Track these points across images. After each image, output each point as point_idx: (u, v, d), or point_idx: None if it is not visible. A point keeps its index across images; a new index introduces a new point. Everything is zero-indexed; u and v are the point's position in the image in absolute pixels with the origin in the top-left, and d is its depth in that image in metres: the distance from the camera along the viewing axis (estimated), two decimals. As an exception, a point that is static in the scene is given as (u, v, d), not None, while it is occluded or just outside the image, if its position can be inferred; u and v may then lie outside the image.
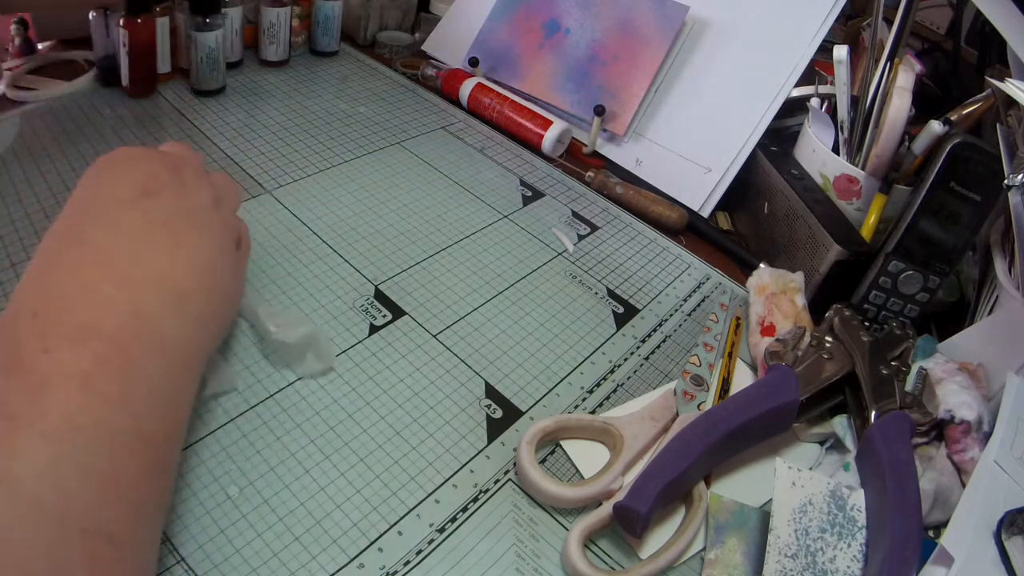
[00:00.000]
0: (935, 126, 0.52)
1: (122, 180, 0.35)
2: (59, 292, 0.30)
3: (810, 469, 0.40)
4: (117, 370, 0.28)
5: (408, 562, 0.34)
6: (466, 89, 0.71)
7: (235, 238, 0.40)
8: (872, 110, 0.54)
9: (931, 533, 0.38)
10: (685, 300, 0.54)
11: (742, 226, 0.65)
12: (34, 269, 0.32)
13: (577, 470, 0.40)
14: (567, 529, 0.37)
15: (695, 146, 0.65)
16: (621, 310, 0.51)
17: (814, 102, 0.62)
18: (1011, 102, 0.49)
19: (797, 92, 0.64)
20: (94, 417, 0.26)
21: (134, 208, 0.33)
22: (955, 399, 0.42)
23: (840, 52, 0.56)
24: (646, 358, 0.48)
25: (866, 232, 0.55)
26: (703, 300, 0.54)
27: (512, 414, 0.42)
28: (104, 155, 0.36)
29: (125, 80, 0.62)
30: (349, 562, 0.33)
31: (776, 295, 0.50)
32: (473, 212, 0.58)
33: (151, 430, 0.28)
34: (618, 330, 0.50)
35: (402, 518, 0.36)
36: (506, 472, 0.39)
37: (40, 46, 0.67)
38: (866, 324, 0.49)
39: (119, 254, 0.32)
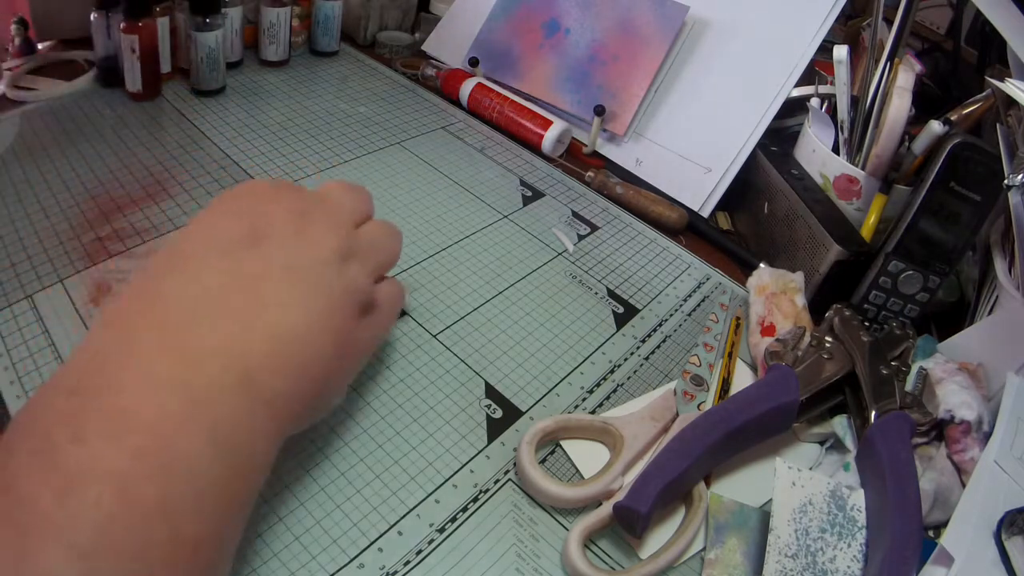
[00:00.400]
0: (935, 126, 0.52)
1: (229, 219, 0.31)
2: (104, 363, 0.26)
3: (810, 469, 0.40)
4: (157, 468, 0.24)
5: (408, 562, 0.34)
6: (466, 89, 0.71)
7: (362, 302, 0.34)
8: (872, 110, 0.54)
9: (931, 533, 0.38)
10: (685, 300, 0.54)
11: (742, 226, 0.65)
12: (97, 325, 0.28)
13: (577, 470, 0.40)
14: (567, 529, 0.37)
15: (695, 146, 0.65)
16: (621, 310, 0.51)
17: (814, 102, 0.62)
18: (1011, 102, 0.49)
19: (797, 92, 0.64)
20: (128, 525, 0.23)
21: (227, 257, 0.29)
22: (955, 399, 0.42)
23: (840, 52, 0.56)
24: (646, 358, 0.48)
25: (866, 232, 0.55)
26: (703, 300, 0.54)
27: (512, 414, 0.42)
28: (236, 185, 0.33)
29: (135, 86, 0.62)
30: (349, 562, 0.33)
31: (776, 295, 0.50)
32: (473, 212, 0.58)
33: (193, 534, 0.24)
34: (618, 330, 0.50)
35: (402, 518, 0.36)
36: (506, 472, 0.39)
37: (40, 46, 0.67)
38: (866, 324, 0.49)
39: (187, 317, 0.27)
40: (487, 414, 0.42)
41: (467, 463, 0.39)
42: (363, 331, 0.35)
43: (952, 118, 0.54)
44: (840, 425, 0.44)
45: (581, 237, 0.58)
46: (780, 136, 0.65)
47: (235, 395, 0.27)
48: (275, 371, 0.28)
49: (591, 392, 0.45)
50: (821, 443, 0.44)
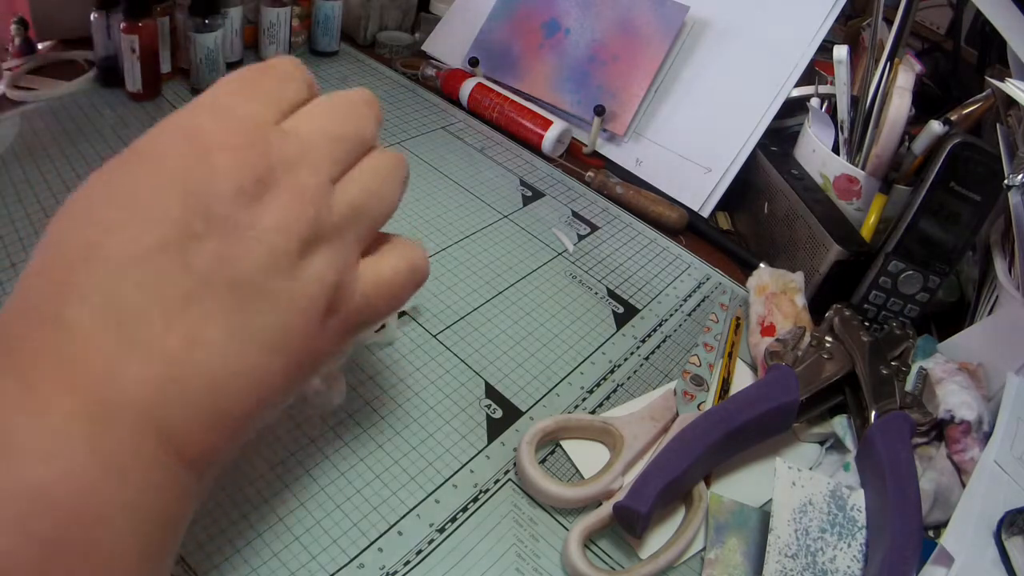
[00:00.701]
0: (935, 126, 0.52)
1: (154, 192, 0.22)
2: None
3: (810, 469, 0.40)
4: (38, 551, 0.18)
5: (408, 562, 0.34)
6: (466, 89, 0.71)
7: (330, 299, 0.26)
8: (872, 110, 0.54)
9: (931, 533, 0.38)
10: (685, 300, 0.54)
11: (742, 226, 0.65)
12: None
13: (577, 470, 0.40)
14: (567, 529, 0.37)
15: (695, 146, 0.65)
16: (621, 310, 0.51)
17: (814, 102, 0.62)
18: (1011, 102, 0.49)
19: (797, 92, 0.64)
20: None
21: (147, 263, 0.21)
22: (955, 399, 0.42)
23: (840, 52, 0.56)
24: (646, 358, 0.48)
25: (866, 232, 0.55)
26: (703, 300, 0.54)
27: (512, 414, 0.42)
28: (159, 123, 0.24)
29: (135, 86, 0.62)
30: (349, 562, 0.33)
31: (776, 295, 0.50)
32: (473, 212, 0.58)
33: None
34: (618, 330, 0.50)
35: (402, 518, 0.36)
36: (506, 472, 0.39)
37: (40, 46, 0.67)
38: (866, 324, 0.49)
39: (96, 356, 0.21)
40: (487, 414, 0.42)
41: (467, 463, 0.39)
42: (328, 338, 0.26)
43: (952, 118, 0.54)
44: (840, 425, 0.44)
45: (581, 237, 0.58)
46: (780, 136, 0.65)
47: (153, 463, 0.21)
48: (206, 428, 0.22)
49: (591, 392, 0.45)
50: (821, 443, 0.44)
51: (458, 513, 0.36)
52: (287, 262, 0.24)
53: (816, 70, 0.65)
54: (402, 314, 0.47)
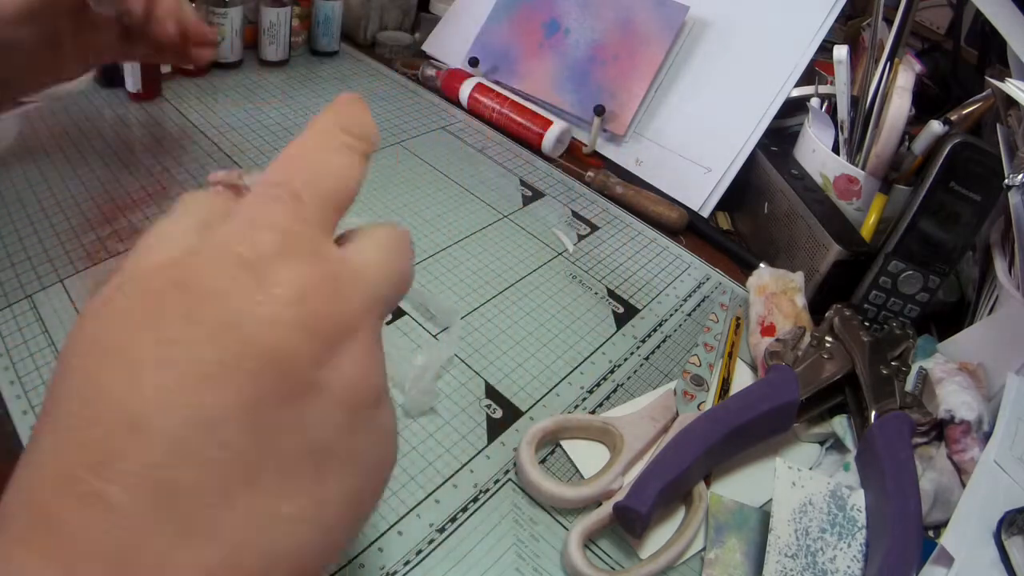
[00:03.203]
0: (935, 126, 0.52)
1: (211, 361, 0.18)
2: None
3: (810, 469, 0.40)
4: None
5: (408, 562, 0.34)
6: (466, 89, 0.71)
7: (395, 449, 0.24)
8: (872, 110, 0.54)
9: (931, 533, 0.38)
10: (685, 300, 0.54)
11: (742, 226, 0.65)
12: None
13: (577, 470, 0.40)
14: (567, 529, 0.37)
15: (695, 146, 0.65)
16: (621, 310, 0.51)
17: (814, 102, 0.62)
18: (1011, 102, 0.49)
19: (797, 92, 0.64)
20: None
21: (210, 438, 0.18)
22: (955, 399, 0.42)
23: (840, 52, 0.56)
24: (646, 358, 0.48)
25: (866, 232, 0.55)
26: (703, 300, 0.54)
27: (512, 414, 0.42)
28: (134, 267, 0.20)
29: (135, 86, 0.62)
30: (349, 562, 0.33)
31: (776, 295, 0.50)
32: (473, 212, 0.58)
33: None
34: (618, 330, 0.50)
35: (402, 518, 0.36)
36: (506, 472, 0.39)
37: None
38: (866, 324, 0.49)
39: (145, 544, 0.17)
40: (487, 414, 0.42)
41: (467, 463, 0.39)
42: (388, 474, 0.24)
43: (952, 118, 0.54)
44: (840, 425, 0.44)
45: (581, 237, 0.58)
46: (780, 136, 0.65)
47: None
48: None
49: (591, 392, 0.45)
50: (821, 443, 0.44)
51: (458, 513, 0.36)
52: (365, 415, 0.21)
53: (816, 70, 0.65)
54: (402, 314, 0.47)
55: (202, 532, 0.18)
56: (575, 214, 0.61)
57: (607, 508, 0.36)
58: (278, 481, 0.19)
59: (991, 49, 0.68)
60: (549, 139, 0.67)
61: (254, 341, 0.18)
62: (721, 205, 0.64)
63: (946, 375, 0.44)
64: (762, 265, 0.55)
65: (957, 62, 0.74)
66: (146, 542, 0.17)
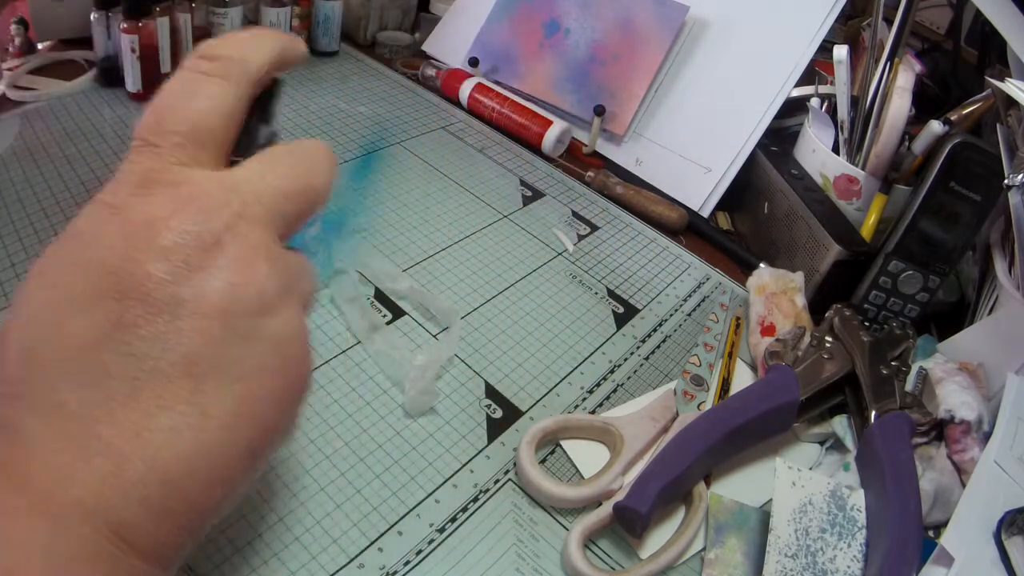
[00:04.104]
0: (935, 126, 0.52)
1: (83, 292, 0.21)
2: None
3: (810, 469, 0.40)
4: None
5: (408, 562, 0.34)
6: (466, 89, 0.71)
7: (302, 352, 0.24)
8: (872, 110, 0.54)
9: (931, 533, 0.38)
10: (685, 300, 0.54)
11: (742, 226, 0.65)
12: None
13: (577, 470, 0.40)
14: (567, 529, 0.37)
15: (695, 146, 0.65)
16: (621, 310, 0.51)
17: (814, 102, 0.62)
18: (1011, 102, 0.49)
19: (797, 92, 0.64)
20: None
21: (87, 363, 0.20)
22: (955, 399, 0.42)
23: (840, 52, 0.56)
24: (646, 358, 0.48)
25: (866, 232, 0.55)
26: (703, 300, 0.54)
27: (512, 414, 0.42)
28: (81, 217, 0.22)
29: (135, 86, 0.62)
30: (349, 562, 0.33)
31: (776, 295, 0.50)
32: (473, 212, 0.58)
33: None
34: (618, 330, 0.50)
35: (402, 518, 0.36)
36: (506, 472, 0.39)
37: (40, 46, 0.67)
38: (866, 324, 0.49)
39: (47, 459, 0.20)
40: (487, 414, 0.42)
41: (467, 463, 0.39)
42: (294, 403, 0.25)
43: (952, 118, 0.54)
44: (840, 425, 0.44)
45: (581, 237, 0.58)
46: (780, 136, 0.65)
47: (110, 561, 0.20)
48: (162, 520, 0.21)
49: (591, 392, 0.45)
50: (821, 443, 0.44)
51: (458, 513, 0.36)
52: (247, 326, 0.22)
53: (816, 70, 0.65)
54: (402, 314, 0.47)
55: (90, 447, 0.20)
56: (575, 214, 0.61)
57: (607, 508, 0.36)
58: (156, 394, 0.20)
59: (991, 49, 0.68)
60: (549, 139, 0.67)
61: (115, 270, 0.21)
62: (721, 205, 0.64)
63: (946, 375, 0.44)
64: (762, 265, 0.55)
65: (957, 62, 0.74)
66: (46, 459, 0.20)
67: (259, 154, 0.25)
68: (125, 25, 0.59)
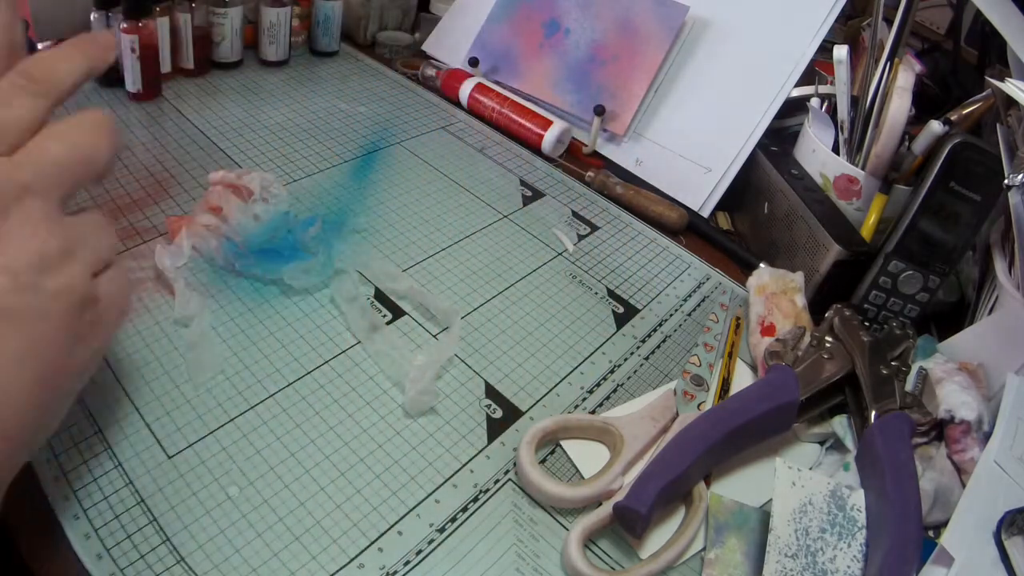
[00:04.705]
0: (935, 126, 0.52)
1: None
2: None
3: (810, 469, 0.40)
4: None
5: (408, 562, 0.34)
6: (466, 89, 0.71)
7: (81, 309, 0.28)
8: (872, 110, 0.54)
9: (931, 533, 0.38)
10: (685, 300, 0.54)
11: (742, 226, 0.65)
12: None
13: (577, 470, 0.40)
14: (567, 529, 0.37)
15: (695, 146, 0.65)
16: (621, 310, 0.51)
17: (814, 102, 0.62)
18: (1011, 102, 0.49)
19: (797, 92, 0.64)
20: None
21: None
22: (955, 399, 0.42)
23: (840, 52, 0.56)
24: (646, 358, 0.48)
25: (866, 232, 0.55)
26: (703, 300, 0.54)
27: (512, 414, 0.42)
28: None
29: (135, 86, 0.62)
30: (349, 562, 0.33)
31: (776, 295, 0.50)
32: (473, 212, 0.58)
33: None
34: (618, 330, 0.50)
35: (402, 518, 0.36)
36: (506, 472, 0.39)
37: (40, 46, 0.67)
38: (866, 324, 0.49)
39: None
40: (487, 414, 0.42)
41: (467, 463, 0.39)
42: (82, 350, 0.29)
43: (952, 118, 0.54)
44: (840, 425, 0.44)
45: (581, 237, 0.58)
46: (780, 136, 0.65)
47: None
48: None
49: (591, 392, 0.45)
50: (821, 443, 0.44)
51: (458, 513, 0.36)
52: (30, 280, 0.26)
53: (816, 70, 0.65)
54: (402, 314, 0.47)
55: None
56: (575, 214, 0.61)
57: (607, 508, 0.36)
58: None
59: (991, 49, 0.68)
60: (549, 139, 0.67)
61: None
62: (721, 205, 0.64)
63: (946, 375, 0.44)
64: (762, 265, 0.55)
65: (957, 62, 0.74)
66: None
67: (45, 130, 0.28)
68: (125, 25, 0.59)
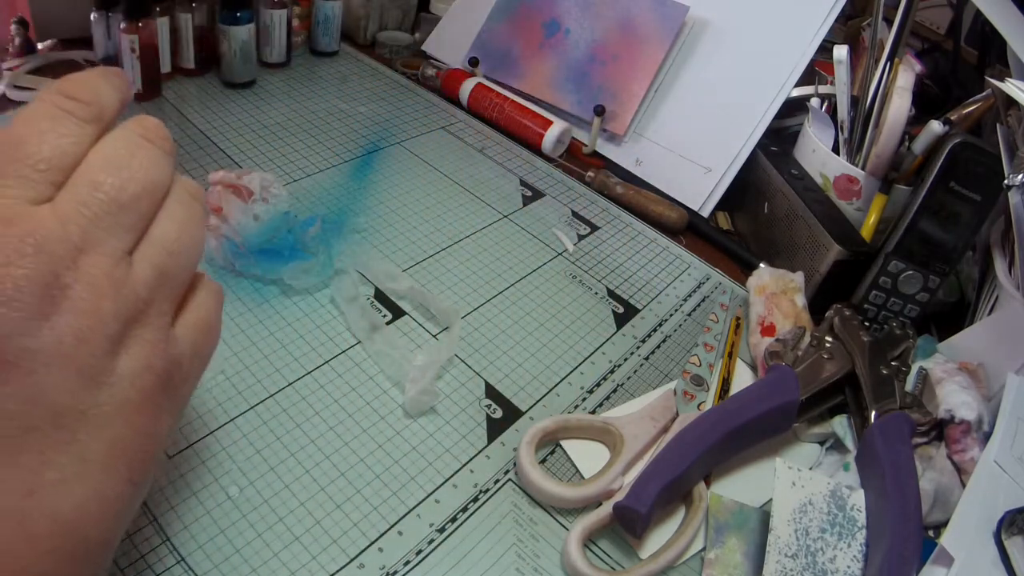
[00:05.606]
0: (935, 126, 0.52)
1: None
2: None
3: (810, 469, 0.40)
4: None
5: (408, 562, 0.34)
6: (466, 89, 0.71)
7: (164, 378, 0.24)
8: (872, 110, 0.54)
9: (931, 533, 0.38)
10: (685, 300, 0.54)
11: (742, 226, 0.65)
12: None
13: (577, 470, 0.40)
14: (567, 529, 0.37)
15: (695, 146, 0.65)
16: (621, 310, 0.51)
17: (814, 102, 0.62)
18: (1011, 102, 0.49)
19: (797, 92, 0.64)
20: None
21: None
22: (955, 399, 0.42)
23: (840, 52, 0.56)
24: (646, 358, 0.48)
25: (866, 232, 0.55)
26: (703, 300, 0.54)
27: (512, 414, 0.42)
28: None
29: (135, 86, 0.62)
30: (349, 562, 0.33)
31: (776, 295, 0.50)
32: (473, 212, 0.58)
33: None
34: (618, 330, 0.50)
35: (402, 518, 0.36)
36: (506, 472, 0.39)
37: (40, 46, 0.67)
38: (866, 324, 0.49)
39: None
40: (487, 414, 0.42)
41: (467, 463, 0.39)
42: (171, 409, 0.25)
43: (952, 118, 0.54)
44: (840, 425, 0.44)
45: (581, 237, 0.58)
46: (780, 136, 0.65)
47: None
48: (70, 563, 0.22)
49: (591, 392, 0.45)
50: (821, 443, 0.44)
51: (458, 513, 0.36)
52: (100, 369, 0.22)
53: (816, 70, 0.65)
54: (402, 314, 0.47)
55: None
56: (575, 214, 0.61)
57: (607, 508, 0.36)
58: (38, 451, 0.21)
59: (991, 49, 0.68)
60: (549, 139, 0.67)
61: None
62: (721, 205, 0.64)
63: (946, 375, 0.44)
64: (762, 265, 0.55)
65: (957, 62, 0.74)
66: None
67: (84, 164, 0.23)
68: (125, 25, 0.59)
